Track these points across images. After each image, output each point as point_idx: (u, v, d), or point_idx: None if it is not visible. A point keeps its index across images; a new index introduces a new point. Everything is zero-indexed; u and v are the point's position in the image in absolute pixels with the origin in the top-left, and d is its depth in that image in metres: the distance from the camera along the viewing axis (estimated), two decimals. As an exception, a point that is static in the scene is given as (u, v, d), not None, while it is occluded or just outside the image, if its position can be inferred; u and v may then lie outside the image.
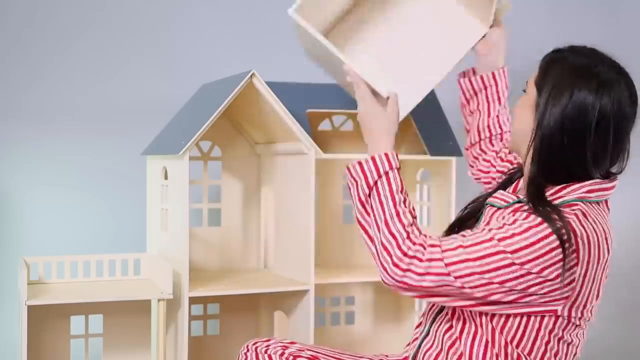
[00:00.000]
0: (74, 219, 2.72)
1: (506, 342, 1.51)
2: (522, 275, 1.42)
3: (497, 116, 1.91)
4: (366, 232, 1.57)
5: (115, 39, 2.80)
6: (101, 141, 2.76)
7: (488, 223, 1.59)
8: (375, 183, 1.55)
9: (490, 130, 1.91)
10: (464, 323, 1.57)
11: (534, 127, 1.51)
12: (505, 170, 1.83)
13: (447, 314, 1.62)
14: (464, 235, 1.49)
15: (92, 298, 2.11)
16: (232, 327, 2.56)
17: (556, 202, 1.49)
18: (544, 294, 1.44)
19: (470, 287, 1.43)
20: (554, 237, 1.40)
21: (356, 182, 1.57)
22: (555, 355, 1.53)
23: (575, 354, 1.57)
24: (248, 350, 1.68)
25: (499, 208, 1.59)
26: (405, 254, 1.46)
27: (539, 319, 1.49)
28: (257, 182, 2.55)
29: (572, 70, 1.50)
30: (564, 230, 1.40)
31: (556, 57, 1.55)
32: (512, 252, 1.41)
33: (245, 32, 2.94)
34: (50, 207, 2.71)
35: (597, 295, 1.52)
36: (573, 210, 1.46)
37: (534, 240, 1.41)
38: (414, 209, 1.55)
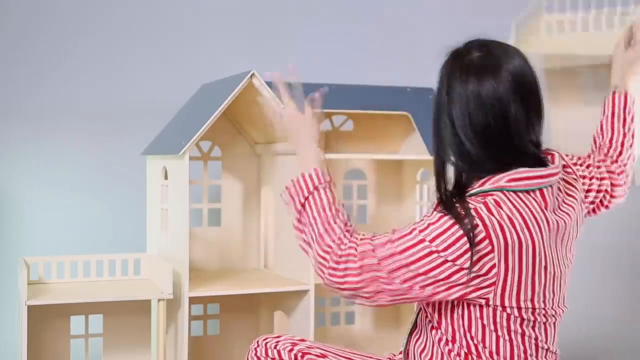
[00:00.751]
0: (74, 219, 2.72)
1: (473, 344, 1.53)
2: (442, 263, 1.45)
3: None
4: (303, 247, 1.62)
5: (116, 39, 2.80)
6: (101, 141, 2.76)
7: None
8: (307, 199, 1.61)
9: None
10: (438, 314, 1.58)
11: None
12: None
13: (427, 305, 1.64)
14: (393, 231, 1.53)
15: (92, 298, 2.11)
16: (232, 327, 2.56)
17: (472, 191, 1.52)
18: (466, 282, 1.46)
19: (401, 282, 1.47)
20: (456, 226, 1.44)
21: (293, 199, 1.63)
22: (525, 353, 1.53)
23: (548, 349, 1.56)
24: (258, 346, 1.70)
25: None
26: (338, 262, 1.52)
27: (478, 309, 1.50)
28: (257, 182, 2.55)
29: (448, 69, 1.62)
30: (466, 220, 1.44)
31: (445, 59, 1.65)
32: (430, 241, 1.46)
33: (245, 33, 2.94)
34: (51, 207, 2.71)
35: (541, 284, 1.50)
36: (483, 199, 1.48)
37: (444, 229, 1.45)
38: (348, 217, 1.61)
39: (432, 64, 3.19)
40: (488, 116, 1.49)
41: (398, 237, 1.49)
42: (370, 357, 1.73)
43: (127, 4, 2.81)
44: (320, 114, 1.71)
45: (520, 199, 1.49)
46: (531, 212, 1.48)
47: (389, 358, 1.75)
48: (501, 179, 1.50)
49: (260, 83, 2.14)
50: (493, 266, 1.45)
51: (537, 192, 1.51)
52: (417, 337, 1.66)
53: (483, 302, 1.48)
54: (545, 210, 1.50)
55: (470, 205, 1.46)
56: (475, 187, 1.53)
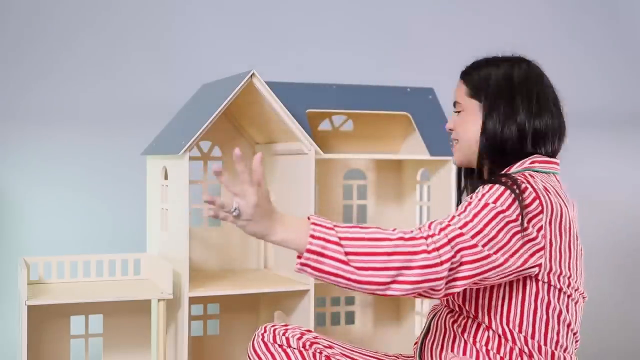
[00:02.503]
0: (74, 219, 2.72)
1: (508, 329, 1.57)
2: (505, 224, 1.49)
3: None
4: (376, 283, 1.40)
5: (116, 39, 2.79)
6: (101, 141, 2.76)
7: None
8: (338, 244, 1.39)
9: None
10: (463, 318, 1.63)
11: (482, 132, 1.67)
12: None
13: (446, 308, 1.67)
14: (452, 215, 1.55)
15: (92, 298, 2.11)
16: (232, 327, 2.56)
17: (502, 173, 1.65)
18: (519, 249, 1.50)
19: (482, 245, 1.47)
20: (508, 191, 1.52)
21: (321, 260, 1.39)
22: (558, 334, 1.58)
23: (576, 332, 1.63)
24: (265, 332, 1.71)
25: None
26: (432, 251, 1.42)
27: (521, 288, 1.56)
28: (257, 182, 2.55)
29: (501, 77, 1.70)
30: (514, 186, 1.53)
31: (479, 71, 1.74)
32: (494, 202, 1.51)
33: (245, 32, 2.94)
34: (51, 207, 2.70)
35: (572, 256, 1.59)
36: (521, 174, 1.61)
37: (500, 192, 1.53)
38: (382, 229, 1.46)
39: (432, 64, 3.21)
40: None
41: (463, 210, 1.52)
42: (376, 353, 1.74)
43: (127, 4, 2.81)
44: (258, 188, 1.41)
45: (544, 177, 1.62)
46: (558, 187, 1.62)
47: (396, 357, 1.77)
48: (522, 164, 1.64)
49: (261, 83, 2.14)
50: (541, 228, 1.52)
51: (553, 176, 1.66)
52: (431, 341, 1.67)
53: (535, 271, 1.54)
54: (564, 190, 1.64)
55: (515, 177, 1.57)
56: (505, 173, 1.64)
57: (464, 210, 1.51)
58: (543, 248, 1.53)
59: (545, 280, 1.55)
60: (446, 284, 1.44)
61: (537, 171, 1.64)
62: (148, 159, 2.48)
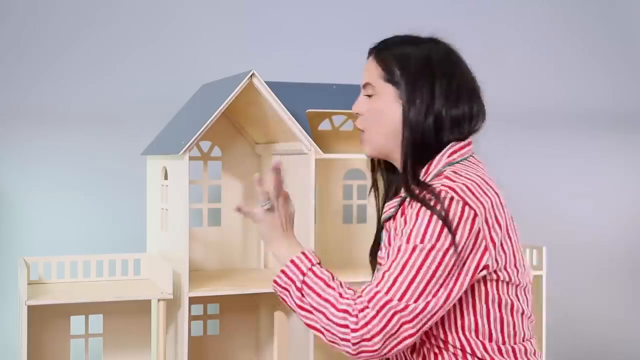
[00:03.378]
0: (74, 219, 2.72)
1: (465, 339, 1.52)
2: (443, 255, 1.43)
3: None
4: (315, 328, 1.50)
5: (115, 39, 2.79)
6: (101, 141, 2.76)
7: (389, 237, 1.60)
8: (303, 282, 1.52)
9: None
10: (421, 344, 1.57)
11: (404, 123, 1.55)
12: None
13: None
14: (381, 265, 1.51)
15: (92, 298, 2.11)
16: (232, 327, 2.55)
17: (428, 178, 1.54)
18: (467, 259, 1.45)
19: (414, 300, 1.42)
20: (434, 217, 1.44)
21: (287, 290, 1.55)
22: (514, 328, 1.54)
23: (530, 316, 1.59)
24: None
25: (391, 217, 1.60)
26: (357, 322, 1.43)
27: (470, 295, 1.50)
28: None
29: (419, 58, 1.57)
30: (434, 202, 1.45)
31: (390, 50, 1.61)
32: (421, 240, 1.43)
33: (245, 32, 2.93)
34: (50, 207, 2.70)
35: (513, 240, 1.54)
36: (444, 175, 1.51)
37: (425, 226, 1.44)
38: (343, 286, 1.50)
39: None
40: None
41: (391, 262, 1.45)
42: None
43: (127, 4, 2.81)
44: (284, 205, 1.61)
45: (467, 165, 1.55)
46: (481, 172, 1.54)
47: None
48: (441, 159, 1.55)
49: (261, 83, 2.14)
50: (479, 230, 1.45)
51: (471, 160, 1.58)
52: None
53: (484, 273, 1.48)
54: (483, 168, 1.58)
55: (436, 187, 1.47)
56: (427, 175, 1.55)
57: (389, 268, 1.44)
58: (487, 249, 1.47)
59: (494, 277, 1.50)
60: (393, 347, 1.43)
61: (457, 162, 1.55)
62: (148, 159, 2.48)
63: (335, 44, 3.01)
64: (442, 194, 1.45)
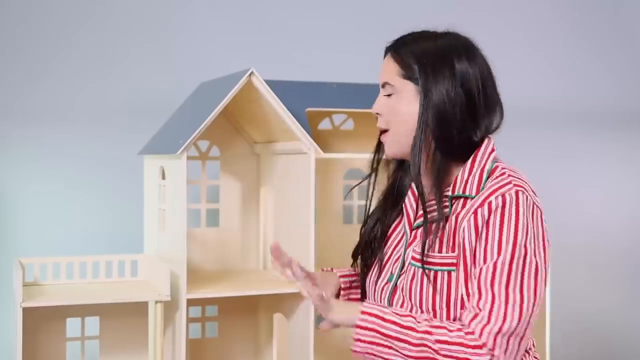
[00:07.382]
0: (70, 219, 2.70)
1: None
2: (537, 265, 1.45)
3: None
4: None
5: (113, 37, 2.78)
6: (98, 141, 2.75)
7: (455, 237, 1.54)
8: (387, 336, 1.48)
9: None
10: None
11: (420, 116, 1.52)
12: None
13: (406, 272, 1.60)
14: (479, 289, 1.45)
15: (89, 300, 2.10)
16: (231, 330, 2.54)
17: (483, 176, 1.52)
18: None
19: (528, 315, 1.44)
20: (521, 217, 1.45)
21: (374, 354, 1.49)
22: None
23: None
24: None
25: (440, 220, 1.53)
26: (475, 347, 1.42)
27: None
28: (256, 182, 2.54)
29: (437, 52, 1.53)
30: (521, 211, 1.46)
31: (407, 47, 1.56)
32: (512, 254, 1.43)
33: (244, 30, 2.92)
34: (46, 208, 2.69)
35: None
36: (506, 174, 1.50)
37: (514, 229, 1.44)
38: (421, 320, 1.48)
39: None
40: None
41: (490, 286, 1.43)
42: None
43: (125, 3, 2.79)
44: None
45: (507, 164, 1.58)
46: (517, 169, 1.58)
47: None
48: (485, 154, 1.54)
49: (260, 82, 2.12)
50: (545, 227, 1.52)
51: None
52: (400, 302, 1.61)
53: None
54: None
55: (508, 188, 1.47)
56: (478, 171, 1.53)
57: (493, 294, 1.42)
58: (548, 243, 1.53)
59: None
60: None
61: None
62: (145, 158, 2.46)
63: (335, 42, 3.01)
64: (521, 197, 1.45)
